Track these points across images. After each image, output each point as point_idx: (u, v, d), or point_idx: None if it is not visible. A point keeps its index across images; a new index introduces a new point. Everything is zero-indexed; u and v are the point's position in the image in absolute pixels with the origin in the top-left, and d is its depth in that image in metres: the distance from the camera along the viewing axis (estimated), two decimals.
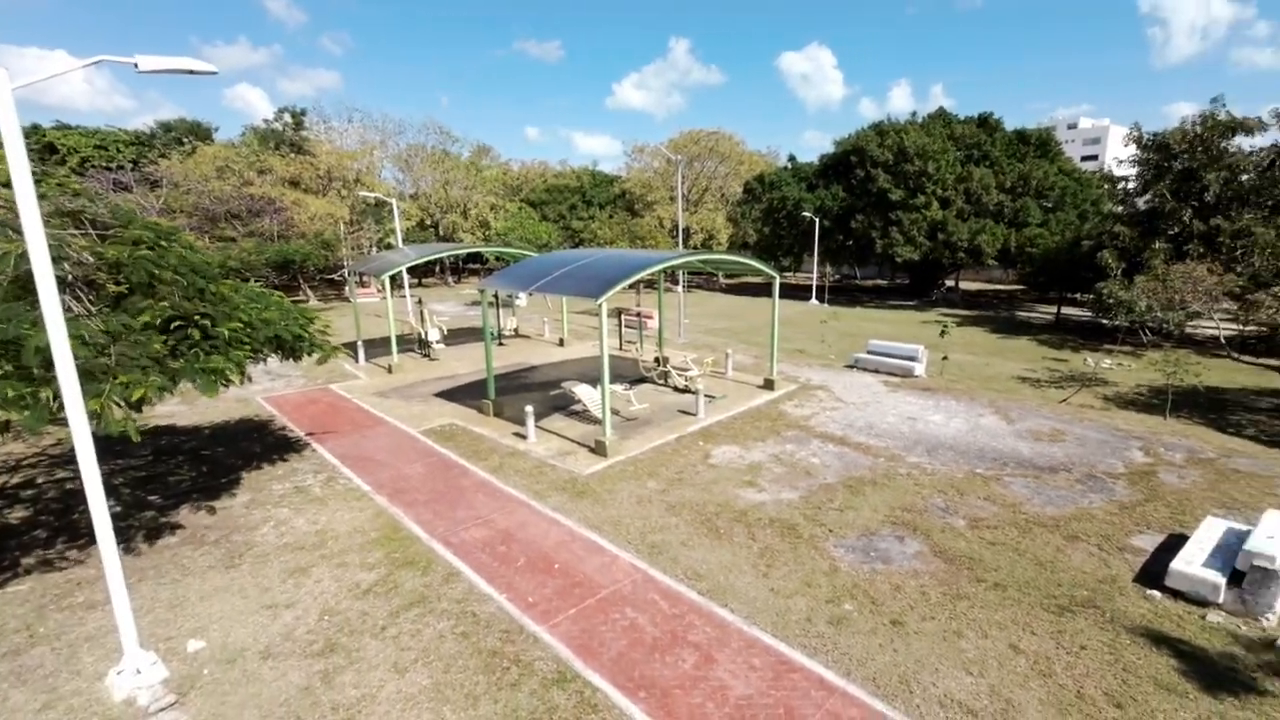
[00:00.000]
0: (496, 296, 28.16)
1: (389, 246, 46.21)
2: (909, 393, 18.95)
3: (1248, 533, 8.77)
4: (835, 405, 17.48)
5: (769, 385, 18.79)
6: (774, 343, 18.93)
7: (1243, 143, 29.27)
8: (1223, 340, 23.17)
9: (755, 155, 65.70)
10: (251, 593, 8.60)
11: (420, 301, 28.78)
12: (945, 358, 23.32)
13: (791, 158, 56.74)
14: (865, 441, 14.50)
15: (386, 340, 21.85)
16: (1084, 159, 76.76)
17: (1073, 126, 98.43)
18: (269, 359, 10.23)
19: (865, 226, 44.05)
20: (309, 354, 10.45)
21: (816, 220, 45.31)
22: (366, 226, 47.72)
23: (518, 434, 14.68)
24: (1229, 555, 8.50)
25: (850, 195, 45.76)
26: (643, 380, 19.87)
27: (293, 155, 46.30)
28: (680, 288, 32.94)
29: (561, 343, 26.35)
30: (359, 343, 22.94)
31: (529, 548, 9.70)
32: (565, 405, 16.86)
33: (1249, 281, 22.22)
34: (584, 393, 15.73)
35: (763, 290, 51.51)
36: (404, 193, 55.86)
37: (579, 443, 14.17)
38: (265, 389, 19.19)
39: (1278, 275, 21.12)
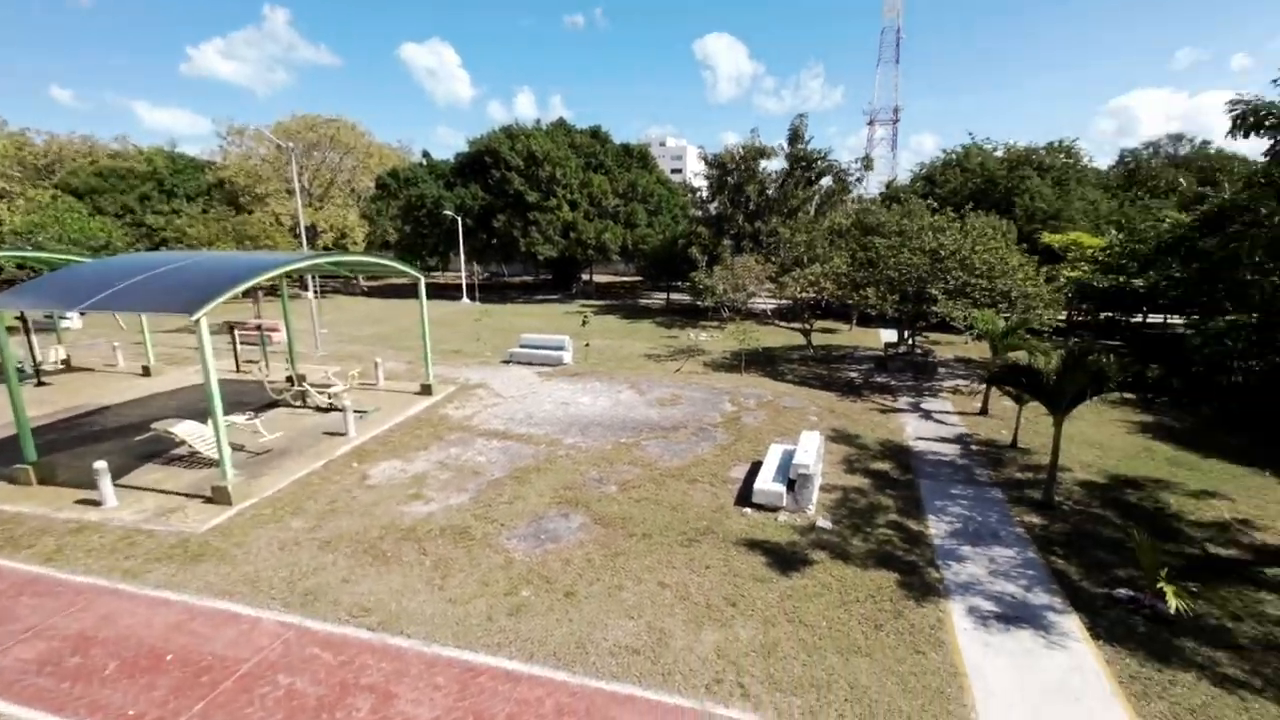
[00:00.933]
0: (24, 319, 20.30)
1: None
2: (561, 380, 20.54)
3: (794, 451, 12.08)
4: (496, 401, 17.83)
5: (427, 390, 18.08)
6: (426, 346, 18.25)
7: (768, 165, 39.86)
8: (769, 312, 31.39)
9: (386, 149, 61.67)
10: None
11: None
12: (588, 344, 25.97)
13: (426, 154, 55.10)
14: (527, 432, 15.18)
15: None
16: (673, 171, 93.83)
17: (663, 144, 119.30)
18: None
19: (507, 226, 45.74)
20: None
21: (459, 219, 45.18)
22: None
23: (86, 501, 10.96)
24: (786, 470, 11.59)
25: (490, 195, 46.85)
26: (274, 404, 16.95)
27: None
28: (312, 293, 29.04)
29: (147, 371, 20.53)
30: None
31: (123, 646, 7.38)
32: (162, 451, 13.28)
33: (779, 268, 30.47)
34: (188, 431, 12.62)
35: (411, 291, 49.15)
36: None
37: (189, 494, 11.34)
38: None
39: (795, 262, 29.53)
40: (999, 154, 40.95)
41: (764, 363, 24.42)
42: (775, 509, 11.01)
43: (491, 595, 8.45)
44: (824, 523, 10.60)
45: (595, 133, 50.81)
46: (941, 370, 23.57)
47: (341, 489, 11.80)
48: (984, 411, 17.64)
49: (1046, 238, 30.15)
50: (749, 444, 14.47)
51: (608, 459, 13.46)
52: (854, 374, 22.84)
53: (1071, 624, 8.04)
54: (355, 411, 15.08)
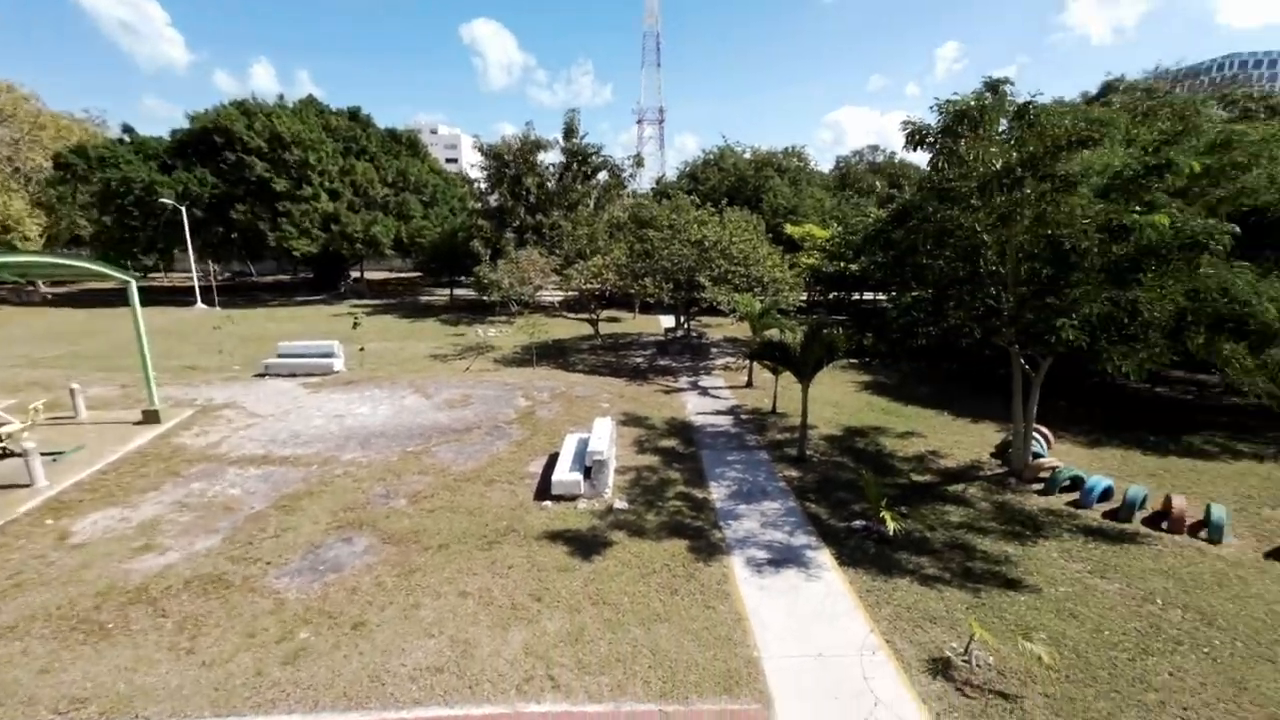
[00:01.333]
0: None
1: None
2: (333, 390, 18.44)
3: (589, 439, 12.40)
4: (250, 422, 15.38)
5: (152, 418, 14.90)
6: (146, 363, 15.01)
7: (545, 158, 39.95)
8: (557, 304, 31.70)
9: (67, 120, 49.02)
10: None
11: None
12: (362, 349, 23.70)
13: (128, 129, 44.86)
14: (293, 453, 13.36)
15: None
16: (448, 161, 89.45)
17: (434, 131, 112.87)
18: None
19: (250, 218, 39.38)
20: None
21: (183, 209, 37.79)
22: None
23: None
24: (582, 458, 11.85)
25: (224, 181, 39.79)
26: None
27: None
28: None
29: None
30: None
31: None
32: None
33: (564, 260, 30.92)
34: None
35: (120, 297, 40.01)
36: None
37: None
38: None
39: (579, 255, 30.22)
40: (748, 156, 46.45)
41: (555, 354, 24.64)
42: (574, 498, 11.21)
43: (259, 647, 7.30)
44: (620, 504, 11.08)
45: (355, 115, 46.19)
46: (714, 350, 26.11)
47: (30, 555, 9.20)
48: (749, 384, 19.96)
49: (789, 229, 34.99)
50: (545, 437, 14.50)
51: (394, 471, 12.45)
52: (639, 359, 24.19)
53: (824, 557, 9.52)
54: (44, 454, 11.85)
